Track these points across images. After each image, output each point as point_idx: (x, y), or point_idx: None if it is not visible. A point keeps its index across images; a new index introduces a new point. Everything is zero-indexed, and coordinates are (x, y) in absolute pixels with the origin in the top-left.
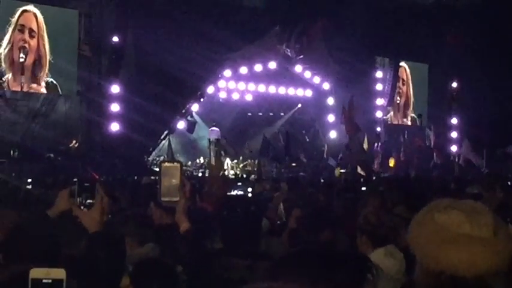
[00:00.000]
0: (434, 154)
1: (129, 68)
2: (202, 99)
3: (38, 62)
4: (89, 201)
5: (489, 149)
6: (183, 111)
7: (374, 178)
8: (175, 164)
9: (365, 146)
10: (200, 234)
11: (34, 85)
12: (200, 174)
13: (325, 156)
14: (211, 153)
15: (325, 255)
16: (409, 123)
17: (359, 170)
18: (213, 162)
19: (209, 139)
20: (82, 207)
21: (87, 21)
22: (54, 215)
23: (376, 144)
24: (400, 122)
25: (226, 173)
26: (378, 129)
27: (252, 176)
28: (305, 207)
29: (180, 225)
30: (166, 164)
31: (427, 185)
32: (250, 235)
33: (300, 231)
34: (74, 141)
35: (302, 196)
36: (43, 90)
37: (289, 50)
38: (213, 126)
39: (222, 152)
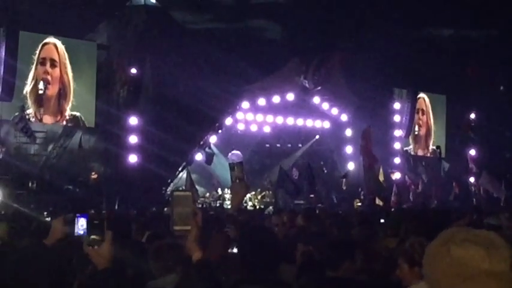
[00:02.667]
0: (454, 185)
1: (147, 100)
2: (220, 131)
3: (62, 91)
4: (92, 236)
5: (508, 180)
6: (201, 142)
7: (393, 210)
8: (186, 193)
9: (381, 178)
10: (213, 263)
11: (55, 117)
12: (218, 205)
13: (343, 187)
14: (233, 177)
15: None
16: (430, 154)
17: (377, 201)
18: (235, 185)
19: (230, 163)
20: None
21: (105, 53)
22: (50, 243)
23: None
24: (422, 153)
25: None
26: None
27: (270, 207)
28: (322, 238)
29: (192, 254)
30: (178, 193)
31: (446, 216)
32: (268, 264)
33: (307, 265)
34: (93, 173)
35: (319, 228)
36: (70, 123)
37: (307, 82)
38: (233, 150)
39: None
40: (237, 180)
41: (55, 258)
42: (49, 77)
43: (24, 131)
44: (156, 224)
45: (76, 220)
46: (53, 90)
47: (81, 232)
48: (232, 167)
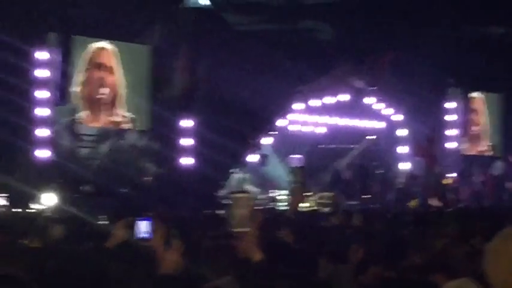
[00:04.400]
0: (509, 184)
1: (201, 102)
2: (273, 133)
3: (114, 98)
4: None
5: None
6: (255, 144)
7: (449, 210)
8: (246, 194)
9: (449, 181)
10: (273, 264)
11: (111, 120)
12: (272, 207)
13: (398, 187)
14: (293, 181)
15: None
16: (485, 153)
17: (431, 201)
18: (295, 189)
19: (291, 166)
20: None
21: (157, 56)
22: (112, 246)
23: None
24: (476, 153)
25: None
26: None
27: (327, 208)
28: (378, 239)
29: (251, 256)
30: (237, 195)
31: (502, 216)
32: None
33: (363, 265)
34: (147, 176)
35: (375, 228)
36: (123, 125)
37: (360, 82)
38: (294, 154)
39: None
40: (297, 184)
41: (117, 262)
42: (106, 83)
43: (76, 134)
44: (210, 226)
45: (137, 224)
46: (108, 94)
47: (144, 235)
48: (293, 170)
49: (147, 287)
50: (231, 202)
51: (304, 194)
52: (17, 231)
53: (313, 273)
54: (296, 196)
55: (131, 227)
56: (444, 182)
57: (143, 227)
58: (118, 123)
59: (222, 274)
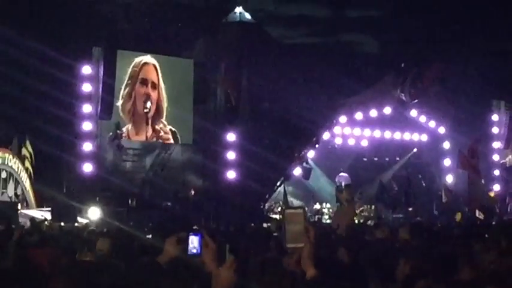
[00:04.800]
0: None
1: (245, 116)
2: (317, 146)
3: (157, 112)
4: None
5: None
6: (299, 157)
7: (494, 223)
8: (298, 210)
9: (492, 194)
10: (328, 281)
11: (154, 134)
12: (316, 220)
13: (443, 200)
14: (342, 199)
15: None
16: None
17: (477, 214)
18: (343, 207)
19: (338, 185)
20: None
21: (201, 70)
22: (164, 262)
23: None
24: None
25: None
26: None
27: (369, 221)
28: (425, 252)
29: (306, 272)
30: (290, 210)
31: None
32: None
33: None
34: (192, 190)
35: (422, 242)
36: (166, 139)
37: (403, 95)
38: (341, 172)
39: (354, 198)
40: (346, 203)
41: (170, 278)
42: (151, 97)
43: (119, 147)
44: (256, 240)
45: (188, 239)
46: (152, 109)
47: (194, 251)
48: (340, 189)
49: None
50: (284, 218)
51: (353, 212)
52: (64, 245)
53: None
54: (345, 214)
55: (183, 242)
56: (490, 194)
57: (194, 242)
58: (161, 137)
59: None
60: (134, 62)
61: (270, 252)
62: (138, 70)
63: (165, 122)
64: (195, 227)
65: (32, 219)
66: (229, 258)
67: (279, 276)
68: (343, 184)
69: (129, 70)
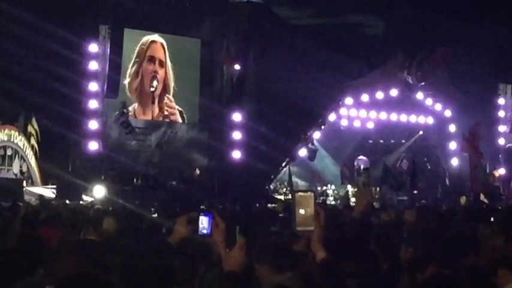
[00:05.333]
0: None
1: (251, 96)
2: (323, 127)
3: (164, 91)
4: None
5: None
6: (305, 138)
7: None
8: (309, 193)
9: (496, 173)
10: (337, 263)
11: (160, 112)
12: (320, 201)
13: (447, 183)
14: (359, 182)
15: None
16: None
17: (482, 197)
18: (360, 190)
19: (358, 168)
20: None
21: (208, 50)
22: (174, 242)
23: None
24: None
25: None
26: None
27: (375, 203)
28: (433, 236)
29: (316, 254)
30: (301, 193)
31: None
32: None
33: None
34: (197, 169)
35: (429, 225)
36: (172, 118)
37: (410, 77)
38: (361, 155)
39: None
40: (364, 186)
41: (181, 258)
42: (158, 76)
43: (125, 126)
44: (262, 221)
45: (199, 219)
46: (159, 87)
47: (204, 232)
48: (359, 172)
49: (213, 284)
50: (294, 201)
51: (370, 196)
52: (69, 223)
53: (375, 272)
54: (362, 198)
55: (193, 222)
56: (493, 173)
57: (204, 223)
58: (167, 115)
59: (281, 271)
60: (142, 40)
61: (277, 233)
62: (146, 48)
63: (172, 98)
64: (202, 207)
65: (41, 196)
66: (239, 240)
67: (289, 257)
68: (361, 167)
69: (137, 48)
